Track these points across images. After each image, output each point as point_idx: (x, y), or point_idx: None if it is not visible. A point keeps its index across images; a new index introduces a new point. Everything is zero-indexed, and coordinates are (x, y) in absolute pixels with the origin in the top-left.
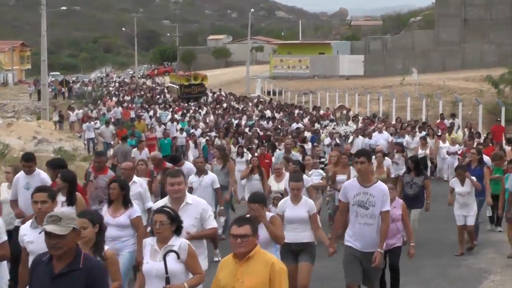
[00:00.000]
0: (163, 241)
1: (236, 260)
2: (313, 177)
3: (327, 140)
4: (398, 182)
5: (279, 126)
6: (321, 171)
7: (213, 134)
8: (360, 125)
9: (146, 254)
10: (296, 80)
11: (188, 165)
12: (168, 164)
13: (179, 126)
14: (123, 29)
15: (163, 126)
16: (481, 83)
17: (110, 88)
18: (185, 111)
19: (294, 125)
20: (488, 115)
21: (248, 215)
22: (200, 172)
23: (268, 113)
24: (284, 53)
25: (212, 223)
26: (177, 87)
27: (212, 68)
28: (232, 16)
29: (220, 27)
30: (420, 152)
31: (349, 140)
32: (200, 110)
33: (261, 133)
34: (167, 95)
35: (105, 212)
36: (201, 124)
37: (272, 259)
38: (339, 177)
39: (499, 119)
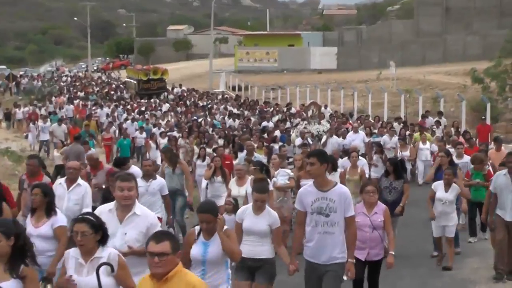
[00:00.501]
0: (88, 254)
1: (153, 280)
2: (279, 177)
3: (298, 141)
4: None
5: (246, 125)
6: (289, 171)
7: (175, 133)
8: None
9: (69, 268)
10: (263, 75)
11: (134, 169)
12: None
13: (136, 125)
14: (75, 18)
15: (113, 127)
16: (465, 77)
17: (62, 84)
18: (143, 109)
19: (264, 124)
20: (472, 112)
21: (197, 226)
22: (148, 176)
23: (235, 110)
24: (251, 45)
25: None
26: (135, 82)
27: (172, 61)
28: (194, 4)
29: (181, 17)
30: (399, 154)
31: (322, 140)
32: (160, 108)
33: (226, 132)
34: (124, 91)
35: (28, 221)
36: (161, 123)
37: (195, 281)
38: (304, 182)
39: (484, 117)
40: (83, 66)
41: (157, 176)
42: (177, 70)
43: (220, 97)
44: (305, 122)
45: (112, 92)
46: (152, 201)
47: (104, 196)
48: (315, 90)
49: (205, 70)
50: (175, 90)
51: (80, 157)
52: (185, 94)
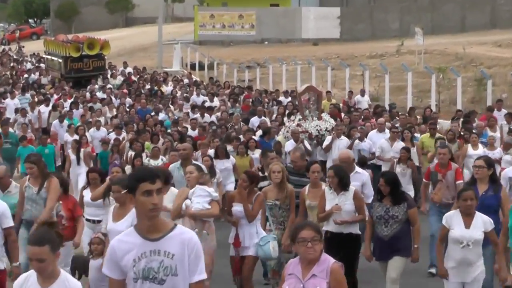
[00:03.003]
0: None
1: None
2: (195, 198)
3: (289, 145)
4: (368, 219)
5: (226, 124)
6: (211, 190)
7: (113, 135)
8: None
9: None
10: (235, 47)
11: None
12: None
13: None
14: None
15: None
16: None
17: None
18: (77, 101)
19: (255, 120)
20: None
21: None
22: None
23: (215, 101)
24: (217, 5)
25: None
26: (60, 60)
27: (104, 29)
28: None
29: None
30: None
31: (325, 143)
32: (100, 99)
33: (195, 133)
34: (42, 74)
35: None
36: (102, 120)
37: None
38: (237, 208)
39: None
40: None
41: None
42: (112, 41)
43: (185, 81)
44: (299, 116)
45: (26, 76)
46: None
47: None
48: (309, 68)
49: (152, 40)
50: (117, 70)
51: None
52: (134, 79)
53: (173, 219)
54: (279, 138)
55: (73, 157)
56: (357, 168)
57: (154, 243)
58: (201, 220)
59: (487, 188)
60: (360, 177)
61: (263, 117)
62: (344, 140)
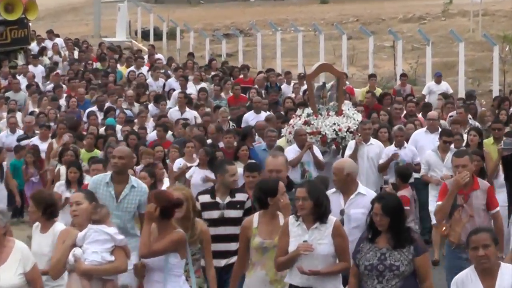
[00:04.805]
0: None
1: None
2: (89, 245)
3: (289, 152)
4: (352, 268)
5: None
6: (112, 231)
7: (36, 140)
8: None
9: None
10: (207, 6)
11: None
12: None
13: None
14: None
15: None
16: None
17: None
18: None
19: (250, 117)
20: None
21: None
22: None
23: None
24: None
25: None
26: None
27: None
28: None
29: None
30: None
31: (347, 152)
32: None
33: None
34: None
35: None
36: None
37: None
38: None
39: None
40: None
41: None
42: None
43: (146, 58)
44: (306, 109)
45: None
46: None
47: None
48: (316, 37)
49: None
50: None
51: None
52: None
53: (53, 277)
54: (280, 141)
55: None
56: (361, 188)
57: None
58: (99, 280)
59: None
60: (366, 201)
61: (263, 113)
62: (375, 146)
